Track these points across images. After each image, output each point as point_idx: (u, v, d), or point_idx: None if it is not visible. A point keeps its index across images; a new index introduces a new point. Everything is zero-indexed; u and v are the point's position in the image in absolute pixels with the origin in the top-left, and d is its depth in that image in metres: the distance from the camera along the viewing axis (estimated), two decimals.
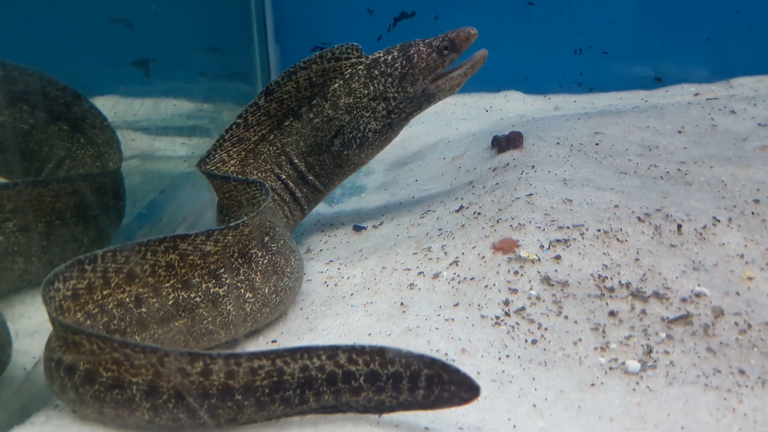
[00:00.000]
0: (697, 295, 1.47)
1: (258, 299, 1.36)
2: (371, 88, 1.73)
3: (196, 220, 1.97)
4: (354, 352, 1.03)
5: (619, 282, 1.49)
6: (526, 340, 1.35)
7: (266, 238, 1.42)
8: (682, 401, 1.21)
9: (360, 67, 1.73)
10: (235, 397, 1.02)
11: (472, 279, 1.53)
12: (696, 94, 2.82)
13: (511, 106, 2.90)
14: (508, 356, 1.31)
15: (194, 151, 2.34)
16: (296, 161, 1.78)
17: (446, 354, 1.30)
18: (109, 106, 2.26)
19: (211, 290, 1.30)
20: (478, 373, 1.26)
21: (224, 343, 1.36)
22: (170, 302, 1.26)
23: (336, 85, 1.73)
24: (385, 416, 1.12)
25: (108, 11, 2.14)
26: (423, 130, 2.74)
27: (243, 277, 1.35)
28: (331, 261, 1.71)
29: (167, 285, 1.26)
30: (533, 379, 1.25)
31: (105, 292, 1.22)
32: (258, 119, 1.76)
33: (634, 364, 1.28)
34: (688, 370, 1.28)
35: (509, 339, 1.36)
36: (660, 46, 2.89)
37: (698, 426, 1.16)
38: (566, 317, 1.41)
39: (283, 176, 1.78)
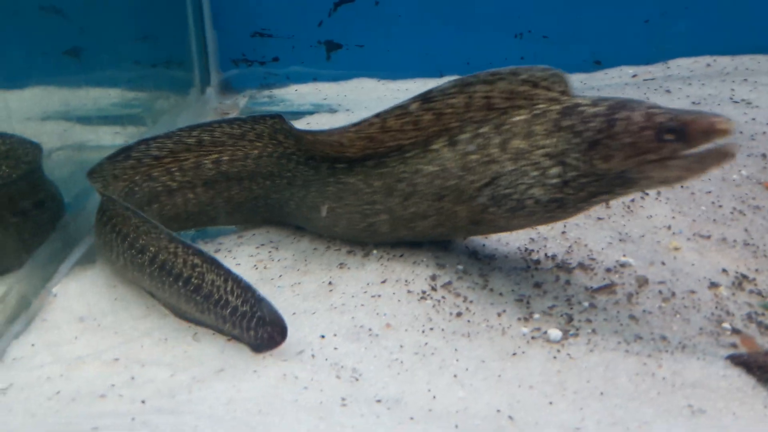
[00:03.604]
0: (622, 265, 1.49)
1: None
2: (552, 140, 1.24)
3: None
4: None
5: (545, 254, 1.50)
6: (450, 313, 1.35)
7: None
8: (602, 367, 1.21)
9: (555, 107, 1.26)
10: None
11: (401, 256, 1.53)
12: (634, 76, 2.86)
13: None
14: (432, 329, 1.30)
15: (128, 140, 2.29)
16: (417, 200, 1.36)
17: (370, 329, 1.29)
18: (40, 96, 2.20)
19: None
20: (401, 346, 1.25)
21: None
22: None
23: (518, 119, 1.27)
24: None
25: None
26: (365, 115, 2.71)
27: None
28: (263, 245, 1.69)
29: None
30: (455, 350, 1.25)
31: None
32: (401, 125, 1.37)
33: (555, 333, 1.29)
34: (609, 337, 1.29)
35: (434, 312, 1.35)
36: (599, 29, 2.92)
37: (617, 391, 1.16)
38: (491, 290, 1.41)
39: (378, 206, 1.43)
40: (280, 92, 2.99)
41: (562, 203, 1.26)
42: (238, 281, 1.26)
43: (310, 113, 2.76)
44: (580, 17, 2.91)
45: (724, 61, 2.84)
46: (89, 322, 1.39)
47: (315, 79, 3.04)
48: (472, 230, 1.40)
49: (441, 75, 3.02)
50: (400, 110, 1.35)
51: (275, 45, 3.00)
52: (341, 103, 2.86)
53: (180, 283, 1.30)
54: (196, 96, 2.84)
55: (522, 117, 1.27)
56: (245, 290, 1.25)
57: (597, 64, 2.98)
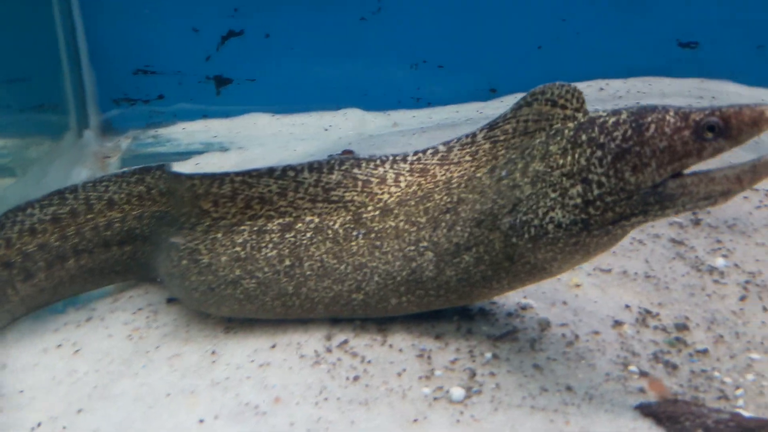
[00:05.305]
0: (524, 308, 1.43)
1: None
2: (569, 158, 1.15)
3: None
4: None
5: None
6: (347, 378, 1.24)
7: None
8: (508, 428, 1.14)
9: (570, 124, 1.18)
10: None
11: None
12: None
13: (350, 124, 2.83)
14: (326, 399, 1.19)
15: None
16: (459, 229, 1.27)
17: (257, 406, 1.17)
18: None
19: None
20: (292, 424, 1.13)
21: None
22: None
23: (537, 141, 1.21)
24: None
25: None
26: (260, 152, 2.61)
27: None
28: (140, 309, 1.54)
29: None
30: (352, 422, 1.14)
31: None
32: (461, 156, 1.33)
33: (458, 392, 1.20)
34: (514, 392, 1.21)
35: (329, 379, 1.24)
36: (493, 57, 2.92)
37: None
38: (391, 346, 1.32)
39: (423, 243, 1.29)
40: (166, 131, 2.84)
41: (586, 225, 1.14)
42: None
43: (200, 153, 2.64)
44: (473, 45, 2.90)
45: (617, 84, 2.88)
46: None
47: (204, 116, 2.90)
48: (510, 270, 1.26)
49: (338, 108, 2.94)
50: (468, 138, 1.33)
51: (160, 82, 2.85)
52: (233, 140, 2.74)
53: None
54: (73, 140, 2.65)
55: (540, 139, 1.22)
56: None
57: (492, 92, 2.97)
